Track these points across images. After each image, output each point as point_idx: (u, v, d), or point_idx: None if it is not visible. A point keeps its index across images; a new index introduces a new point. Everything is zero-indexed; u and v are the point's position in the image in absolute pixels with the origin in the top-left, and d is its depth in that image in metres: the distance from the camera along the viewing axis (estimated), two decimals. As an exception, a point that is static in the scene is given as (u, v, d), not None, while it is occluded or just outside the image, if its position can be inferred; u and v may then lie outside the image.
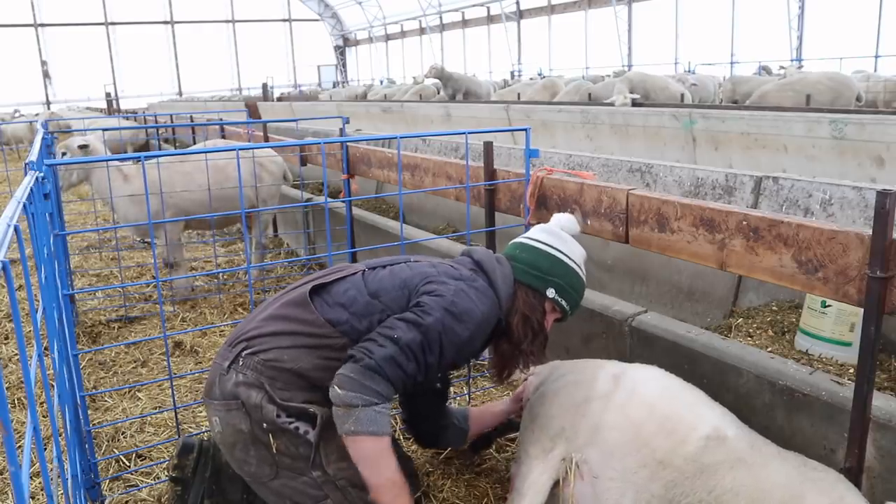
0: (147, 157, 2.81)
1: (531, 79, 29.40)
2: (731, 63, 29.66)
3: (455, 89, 19.56)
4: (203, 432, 3.31)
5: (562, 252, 2.49)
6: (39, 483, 2.91)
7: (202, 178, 5.20)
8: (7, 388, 3.86)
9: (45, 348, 2.66)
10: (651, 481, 2.12)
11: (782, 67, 20.33)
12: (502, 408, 2.94)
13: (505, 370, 2.52)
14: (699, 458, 2.09)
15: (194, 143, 10.11)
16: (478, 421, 2.87)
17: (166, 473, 2.87)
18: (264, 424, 2.12)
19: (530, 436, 2.43)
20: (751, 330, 3.47)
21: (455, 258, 2.53)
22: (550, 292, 2.43)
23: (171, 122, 12.01)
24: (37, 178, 2.32)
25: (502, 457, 3.05)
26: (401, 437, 3.16)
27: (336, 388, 2.03)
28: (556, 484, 2.28)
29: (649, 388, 2.32)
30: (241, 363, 2.17)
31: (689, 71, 24.31)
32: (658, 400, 2.27)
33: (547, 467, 2.28)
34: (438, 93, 19.64)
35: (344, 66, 55.11)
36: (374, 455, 2.06)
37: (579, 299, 2.52)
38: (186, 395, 3.78)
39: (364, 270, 2.35)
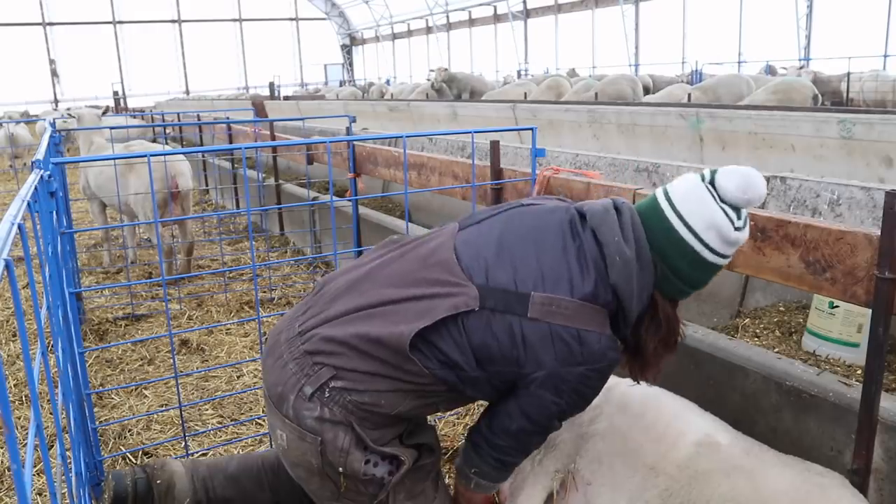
0: (153, 156, 2.81)
1: (527, 75, 29.44)
2: (739, 62, 29.55)
3: (460, 89, 19.58)
4: (207, 430, 3.32)
5: (728, 257, 1.91)
6: (46, 480, 2.92)
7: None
8: (14, 386, 3.87)
9: (51, 346, 2.67)
10: (645, 489, 2.12)
11: (784, 68, 20.37)
12: None
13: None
14: (692, 465, 2.08)
15: (201, 143, 10.14)
16: None
17: None
18: (340, 469, 1.90)
19: None
20: (758, 330, 3.45)
21: (574, 231, 1.92)
22: (689, 294, 2.00)
23: (179, 120, 12.03)
24: (42, 177, 2.32)
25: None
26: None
27: (472, 475, 2.09)
28: (549, 497, 2.29)
29: (636, 399, 2.34)
30: (327, 395, 1.86)
31: (695, 70, 24.25)
32: (644, 410, 2.29)
33: (538, 480, 2.29)
34: (438, 93, 19.66)
35: (350, 65, 55.18)
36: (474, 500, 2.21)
37: None
38: (193, 394, 3.78)
39: (472, 311, 1.82)
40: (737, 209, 1.84)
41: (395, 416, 1.92)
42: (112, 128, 6.29)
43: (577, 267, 1.86)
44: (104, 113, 7.49)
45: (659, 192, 1.92)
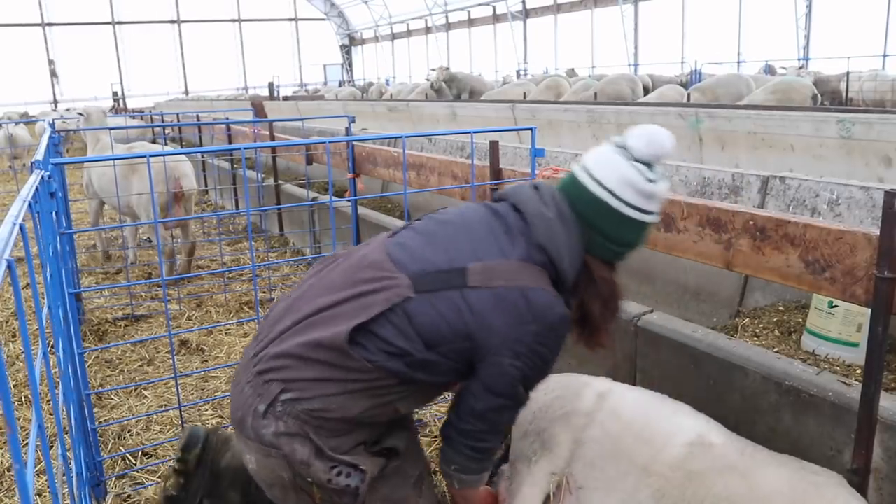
0: (155, 157, 2.82)
1: (526, 75, 29.43)
2: (738, 62, 29.56)
3: (460, 89, 19.59)
4: (208, 431, 3.32)
5: (653, 214, 1.98)
6: (46, 481, 2.92)
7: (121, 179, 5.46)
8: (14, 386, 3.87)
9: (51, 346, 2.67)
10: (637, 490, 2.12)
11: (784, 68, 20.41)
12: None
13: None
14: (684, 465, 2.08)
15: (201, 143, 10.14)
16: None
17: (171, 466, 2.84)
18: (309, 479, 1.90)
19: (518, 452, 2.47)
20: (757, 330, 3.45)
21: (508, 219, 1.98)
22: (626, 255, 2.05)
23: (178, 121, 12.03)
24: (42, 177, 2.32)
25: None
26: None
27: (452, 471, 2.08)
28: (546, 499, 2.30)
29: (629, 404, 2.35)
30: (279, 409, 1.87)
31: (695, 70, 24.26)
32: (636, 414, 2.29)
33: (535, 481, 2.30)
34: (437, 93, 19.67)
35: (350, 65, 55.20)
36: (470, 495, 2.19)
37: None
38: (192, 394, 3.78)
39: (408, 298, 1.85)
40: (649, 164, 1.93)
41: (349, 420, 1.90)
42: (112, 128, 6.29)
43: (505, 238, 1.93)
44: (111, 110, 7.53)
45: (575, 166, 2.03)
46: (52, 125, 6.03)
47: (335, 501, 1.94)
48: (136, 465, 3.07)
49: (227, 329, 4.60)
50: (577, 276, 1.97)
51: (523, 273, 1.88)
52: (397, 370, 1.85)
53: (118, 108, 24.10)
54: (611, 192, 1.92)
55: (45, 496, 2.85)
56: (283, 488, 1.96)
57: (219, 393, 3.75)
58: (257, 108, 13.94)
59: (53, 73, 43.50)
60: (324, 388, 1.86)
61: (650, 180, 1.92)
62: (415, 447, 2.20)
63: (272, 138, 7.33)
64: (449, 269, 1.88)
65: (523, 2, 39.73)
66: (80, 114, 7.27)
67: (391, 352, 1.85)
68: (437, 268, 1.88)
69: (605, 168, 1.94)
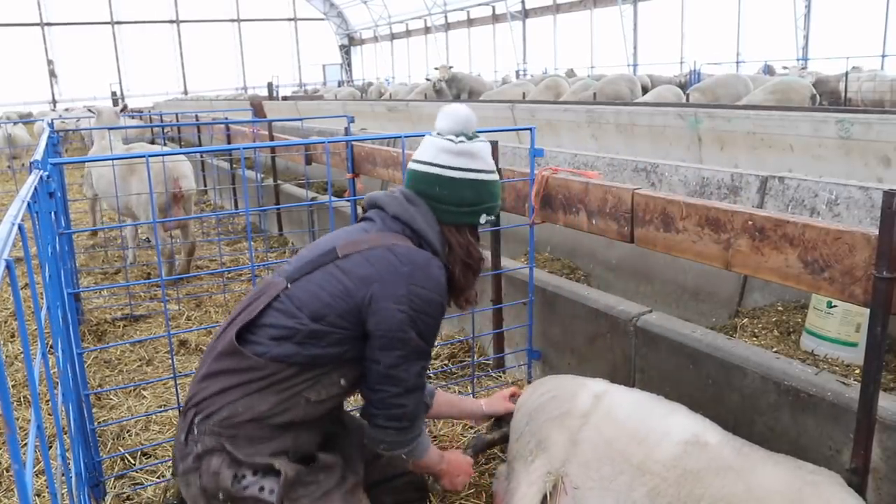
0: (151, 156, 2.81)
1: (525, 75, 29.39)
2: (737, 62, 29.58)
3: (460, 89, 19.59)
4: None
5: (481, 171, 2.22)
6: (45, 481, 2.91)
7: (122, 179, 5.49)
8: (13, 387, 3.87)
9: (50, 346, 2.67)
10: (632, 489, 2.12)
11: (785, 68, 20.40)
12: (477, 408, 2.83)
13: None
14: (679, 464, 2.08)
15: (200, 143, 10.13)
16: (447, 404, 2.73)
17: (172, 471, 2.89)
18: (220, 495, 1.94)
19: (515, 453, 2.48)
20: (756, 330, 3.45)
21: (367, 215, 2.27)
22: (482, 218, 2.26)
23: (177, 120, 12.01)
24: (41, 177, 2.32)
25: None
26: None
27: (384, 451, 2.17)
28: (543, 499, 2.30)
29: (625, 405, 2.36)
30: (196, 432, 1.99)
31: (694, 70, 24.27)
32: (631, 414, 2.31)
33: (532, 480, 2.30)
34: (438, 94, 19.64)
35: (349, 65, 55.20)
36: (430, 464, 2.35)
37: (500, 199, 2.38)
38: (191, 394, 3.78)
39: (286, 287, 2.06)
40: (458, 135, 2.22)
41: (261, 421, 1.97)
42: (110, 128, 6.27)
43: (366, 223, 2.22)
44: (122, 111, 7.50)
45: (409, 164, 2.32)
46: (50, 125, 6.02)
47: None
48: (135, 465, 3.07)
49: (227, 329, 4.60)
50: (442, 246, 2.19)
51: (386, 238, 2.11)
52: (288, 354, 1.97)
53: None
54: (430, 163, 2.20)
55: (44, 496, 2.85)
56: None
57: (218, 393, 3.74)
58: (256, 108, 13.93)
59: (52, 73, 43.47)
60: (228, 396, 1.98)
61: (459, 142, 2.20)
62: (346, 461, 2.22)
63: (271, 138, 7.33)
64: (320, 254, 2.11)
65: (522, 2, 39.74)
66: (90, 110, 7.27)
67: (279, 336, 1.99)
68: (310, 258, 2.12)
69: (423, 150, 2.25)
